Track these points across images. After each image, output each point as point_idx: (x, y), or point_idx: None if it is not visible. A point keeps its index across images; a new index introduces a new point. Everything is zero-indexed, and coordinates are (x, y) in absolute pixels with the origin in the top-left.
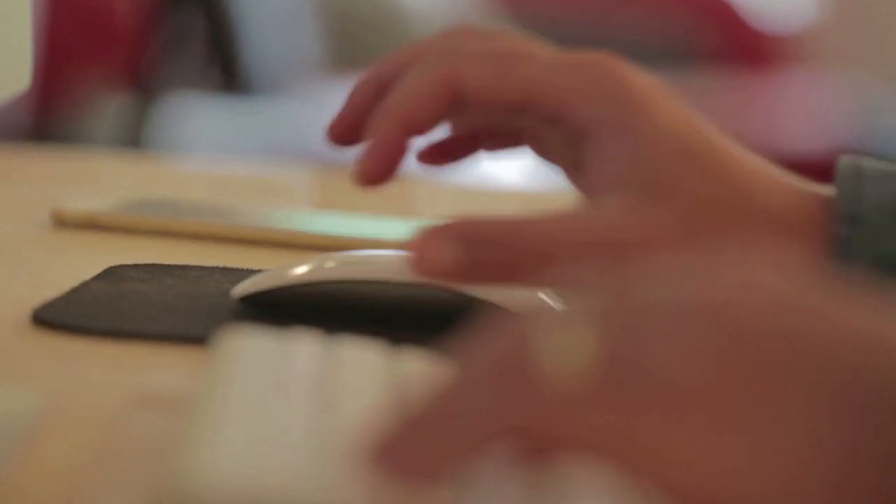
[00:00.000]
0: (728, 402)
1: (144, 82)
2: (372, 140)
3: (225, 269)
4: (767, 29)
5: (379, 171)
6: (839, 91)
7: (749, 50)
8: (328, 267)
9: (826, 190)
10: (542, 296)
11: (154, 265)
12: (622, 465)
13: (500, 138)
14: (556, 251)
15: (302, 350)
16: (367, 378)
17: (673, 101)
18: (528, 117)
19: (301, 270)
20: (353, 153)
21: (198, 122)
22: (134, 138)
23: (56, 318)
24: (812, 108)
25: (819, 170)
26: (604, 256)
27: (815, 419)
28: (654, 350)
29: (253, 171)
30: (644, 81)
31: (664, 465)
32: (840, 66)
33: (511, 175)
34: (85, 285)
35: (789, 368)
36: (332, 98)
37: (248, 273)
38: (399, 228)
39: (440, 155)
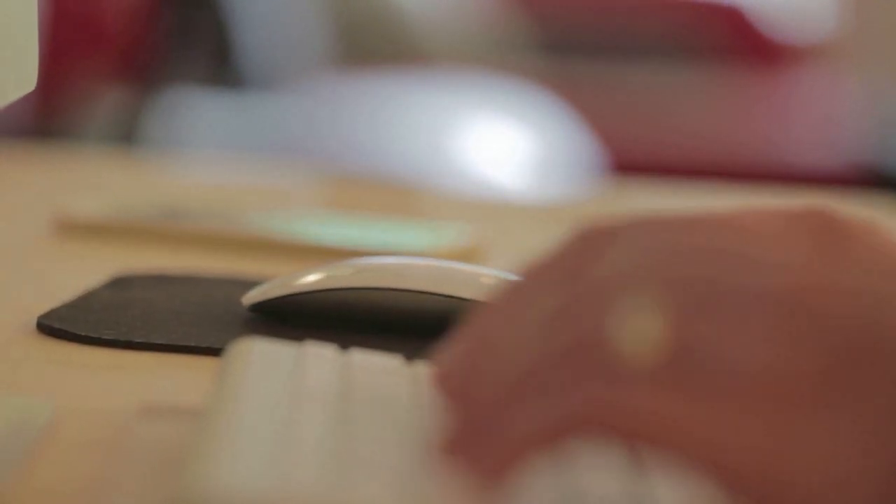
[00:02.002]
0: (801, 389)
1: (145, 78)
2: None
3: (234, 277)
4: (779, 34)
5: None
6: (856, 99)
7: (758, 55)
8: (340, 275)
9: None
10: None
11: (161, 272)
12: (691, 449)
13: None
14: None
15: (316, 360)
16: (382, 388)
17: None
18: None
19: (312, 278)
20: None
21: (199, 118)
22: (134, 135)
23: (61, 326)
24: (827, 117)
25: (833, 180)
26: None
27: (889, 412)
28: (727, 334)
29: (259, 173)
30: None
31: (733, 449)
32: (858, 74)
33: (518, 180)
34: (90, 293)
35: (865, 358)
36: (335, 94)
37: (257, 281)
38: (410, 234)
39: None
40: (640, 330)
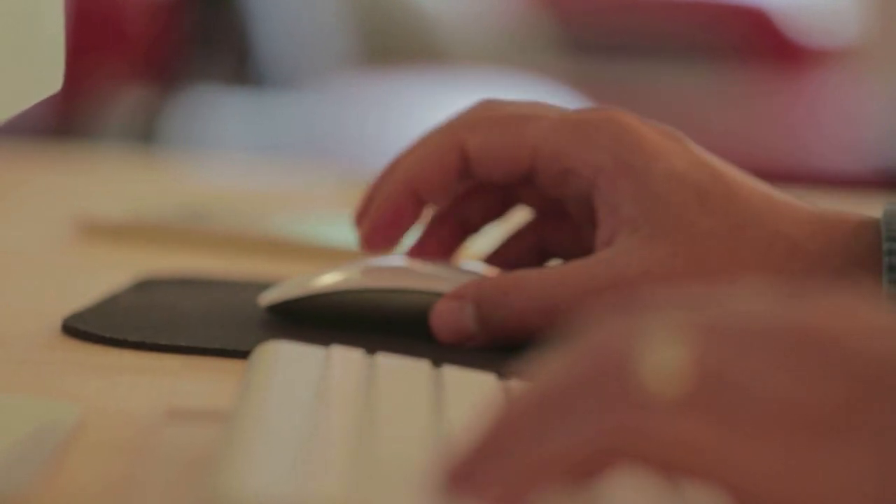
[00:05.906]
0: (825, 418)
1: (166, 77)
2: (379, 205)
3: (258, 280)
4: (803, 37)
5: (385, 239)
6: (879, 103)
7: (782, 58)
8: (357, 276)
9: (847, 212)
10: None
11: (184, 275)
12: (712, 478)
13: (494, 211)
14: (558, 302)
15: (342, 364)
16: (408, 393)
17: (685, 145)
18: (538, 183)
19: (329, 279)
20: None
21: (220, 117)
22: (156, 134)
23: (87, 328)
24: (850, 120)
25: (856, 183)
26: (609, 298)
27: None
28: (752, 365)
29: (281, 174)
30: (652, 130)
31: (758, 475)
32: (882, 77)
33: None
34: (115, 295)
35: (886, 390)
36: (357, 94)
37: (279, 282)
38: None
39: (432, 249)
40: (666, 360)
